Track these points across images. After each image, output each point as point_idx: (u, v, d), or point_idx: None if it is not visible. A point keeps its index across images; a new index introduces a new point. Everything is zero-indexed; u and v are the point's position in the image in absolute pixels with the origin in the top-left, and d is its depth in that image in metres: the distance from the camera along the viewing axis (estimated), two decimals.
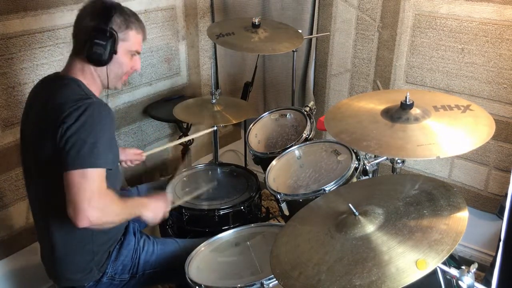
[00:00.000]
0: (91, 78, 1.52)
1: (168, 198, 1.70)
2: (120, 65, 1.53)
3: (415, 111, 1.41)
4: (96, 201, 1.34)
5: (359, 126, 1.43)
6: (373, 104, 1.54)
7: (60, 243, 1.54)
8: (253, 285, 1.41)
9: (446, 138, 1.32)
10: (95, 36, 1.44)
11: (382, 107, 1.49)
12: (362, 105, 1.56)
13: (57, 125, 1.37)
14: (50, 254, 1.59)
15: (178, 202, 1.84)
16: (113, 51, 1.48)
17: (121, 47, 1.50)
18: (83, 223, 1.33)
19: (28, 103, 1.59)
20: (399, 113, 1.42)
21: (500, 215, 2.26)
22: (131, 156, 1.95)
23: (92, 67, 1.50)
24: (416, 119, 1.39)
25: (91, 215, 1.33)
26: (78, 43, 1.50)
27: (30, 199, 1.63)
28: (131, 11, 1.54)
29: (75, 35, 1.52)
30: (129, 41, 1.52)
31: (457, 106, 1.44)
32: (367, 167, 1.67)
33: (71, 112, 1.38)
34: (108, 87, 1.57)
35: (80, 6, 1.52)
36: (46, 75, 1.61)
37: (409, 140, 1.33)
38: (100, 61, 1.47)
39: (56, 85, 1.49)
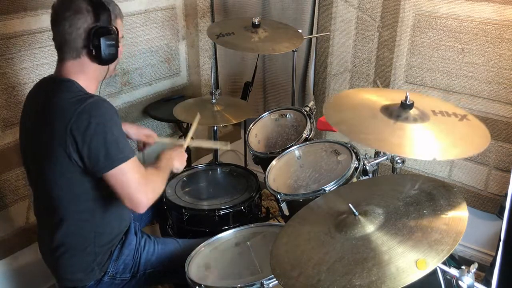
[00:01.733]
0: (91, 77, 1.49)
1: (178, 149, 1.74)
2: (118, 54, 1.52)
3: (414, 112, 1.41)
4: (145, 186, 1.44)
5: (358, 119, 1.43)
6: (374, 99, 1.53)
7: (61, 244, 1.54)
8: (253, 285, 1.41)
9: (441, 142, 1.32)
10: (102, 37, 1.41)
11: (382, 104, 1.49)
12: (362, 99, 1.56)
13: (67, 130, 1.36)
14: (51, 255, 1.59)
15: (186, 143, 1.83)
16: (118, 46, 1.48)
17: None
18: (143, 209, 1.45)
19: (25, 107, 1.57)
20: (398, 111, 1.42)
21: (500, 215, 2.26)
22: (141, 136, 1.91)
23: (95, 65, 1.47)
24: (415, 120, 1.39)
25: (148, 198, 1.45)
26: (74, 45, 1.42)
27: (33, 200, 1.63)
28: None
29: (68, 37, 1.41)
30: (120, 30, 1.51)
31: (455, 114, 1.45)
32: (367, 167, 1.67)
33: (78, 116, 1.36)
34: (105, 78, 1.56)
35: None
36: (41, 78, 1.58)
37: (407, 139, 1.33)
38: (112, 60, 1.48)
39: (53, 87, 1.45)
